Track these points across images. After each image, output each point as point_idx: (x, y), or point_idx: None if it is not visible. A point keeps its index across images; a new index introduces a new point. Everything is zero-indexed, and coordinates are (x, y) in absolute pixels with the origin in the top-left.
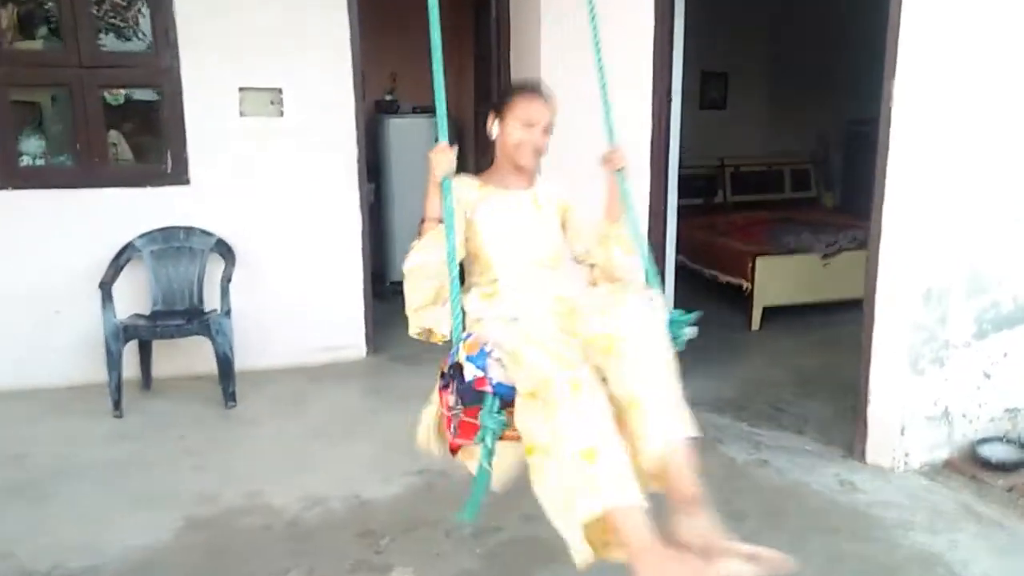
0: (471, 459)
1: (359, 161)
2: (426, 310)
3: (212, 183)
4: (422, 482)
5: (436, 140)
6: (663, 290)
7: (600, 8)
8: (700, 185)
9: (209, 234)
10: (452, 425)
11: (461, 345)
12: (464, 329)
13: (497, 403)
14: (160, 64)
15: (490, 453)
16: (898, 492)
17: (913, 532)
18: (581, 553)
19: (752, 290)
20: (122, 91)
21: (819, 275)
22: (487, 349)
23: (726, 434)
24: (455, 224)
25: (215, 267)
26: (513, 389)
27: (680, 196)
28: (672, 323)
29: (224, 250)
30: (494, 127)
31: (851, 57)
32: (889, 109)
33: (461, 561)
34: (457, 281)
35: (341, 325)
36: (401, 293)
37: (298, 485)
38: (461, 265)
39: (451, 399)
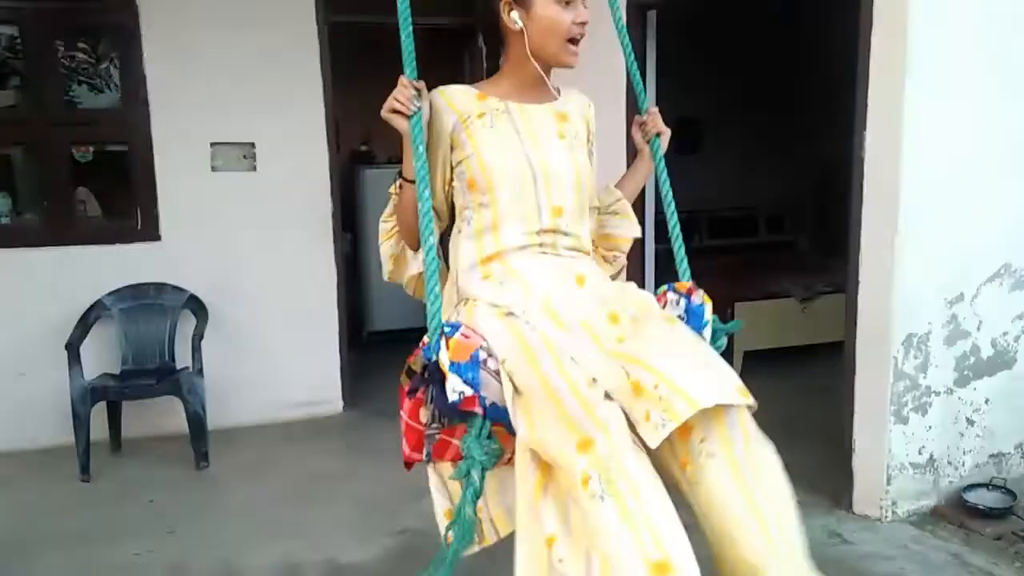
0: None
1: (334, 216)
2: (395, 261)
3: (184, 239)
4: (402, 543)
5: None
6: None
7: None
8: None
9: (181, 290)
10: (424, 448)
11: (443, 342)
12: (449, 310)
13: (488, 426)
14: (130, 120)
15: (476, 494)
16: (887, 543)
17: None
18: None
19: (732, 335)
20: (91, 148)
21: (798, 319)
22: (481, 356)
23: None
24: (437, 164)
25: (187, 324)
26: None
27: (656, 241)
28: (714, 332)
29: (196, 307)
30: (514, 17)
31: (822, 104)
32: (862, 159)
33: None
34: (434, 252)
35: (317, 380)
36: (380, 344)
37: (273, 551)
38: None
39: (424, 414)
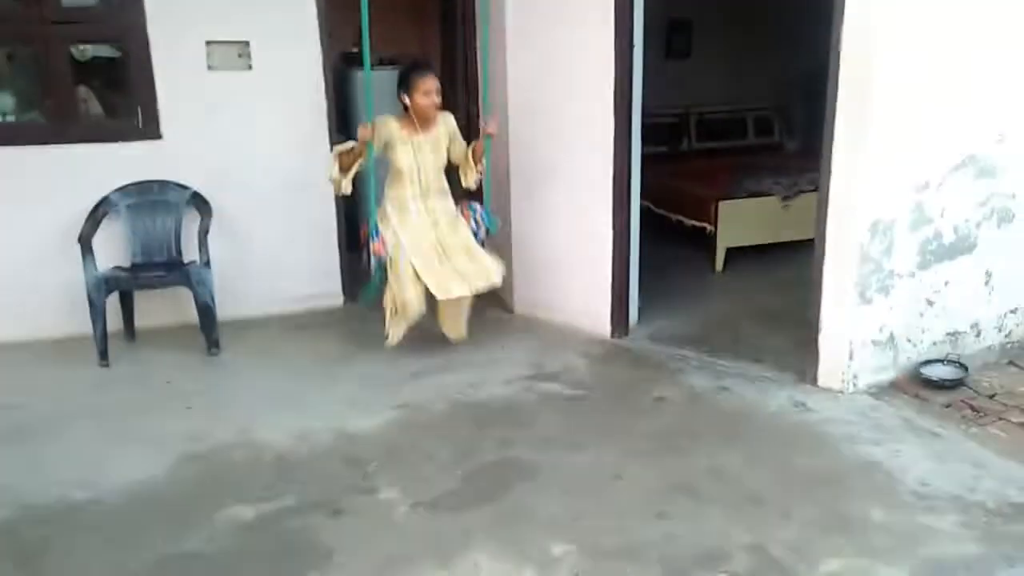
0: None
1: (328, 114)
2: (336, 175)
3: (184, 137)
4: (403, 415)
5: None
6: (490, 203)
7: None
8: (665, 133)
9: (184, 187)
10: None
11: (372, 245)
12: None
13: (380, 271)
14: (126, 19)
15: (382, 279)
16: (846, 410)
17: (857, 444)
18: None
19: (715, 233)
20: (89, 47)
21: (780, 217)
22: (384, 255)
23: (688, 365)
24: (373, 150)
25: (192, 220)
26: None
27: (646, 144)
28: (488, 218)
29: (200, 203)
30: (405, 99)
31: (812, 6)
32: (838, 54)
33: (443, 483)
34: (372, 196)
35: (318, 275)
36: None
37: (285, 422)
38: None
39: (364, 252)
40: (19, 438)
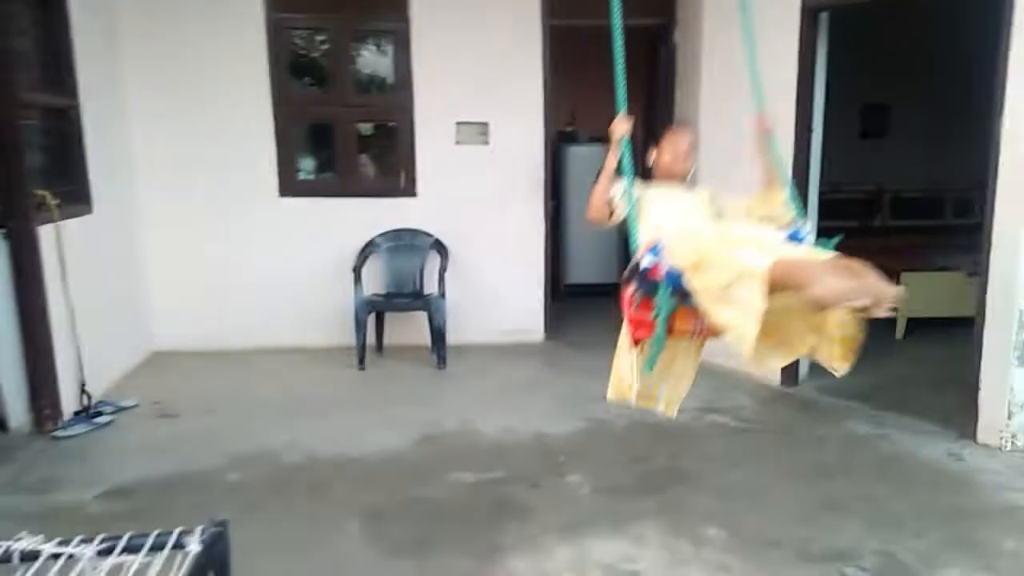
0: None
1: (545, 182)
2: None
3: (434, 196)
4: (589, 426)
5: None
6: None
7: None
8: (857, 209)
9: (429, 235)
10: (635, 325)
11: (639, 247)
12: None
13: (669, 289)
14: (399, 104)
15: (664, 324)
16: (999, 464)
17: (1005, 491)
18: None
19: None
20: (370, 124)
21: (965, 291)
22: (659, 245)
23: (854, 415)
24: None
25: (432, 261)
26: (681, 276)
27: (836, 219)
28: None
29: (440, 248)
30: (653, 155)
31: None
32: (997, 140)
33: (619, 477)
34: (633, 207)
35: (524, 314)
36: (575, 295)
37: (496, 420)
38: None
39: (631, 294)
40: (305, 415)
